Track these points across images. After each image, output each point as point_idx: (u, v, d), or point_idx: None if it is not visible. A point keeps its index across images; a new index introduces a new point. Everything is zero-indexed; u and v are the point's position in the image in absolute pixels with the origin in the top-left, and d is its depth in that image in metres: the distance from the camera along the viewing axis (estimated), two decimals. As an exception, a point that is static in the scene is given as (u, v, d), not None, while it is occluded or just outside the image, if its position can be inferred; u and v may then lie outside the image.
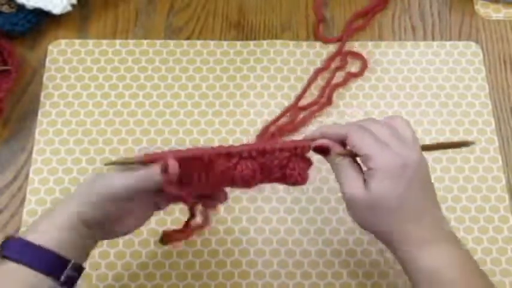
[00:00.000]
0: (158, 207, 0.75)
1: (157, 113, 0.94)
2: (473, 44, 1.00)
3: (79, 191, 0.72)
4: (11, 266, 0.67)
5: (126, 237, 0.77)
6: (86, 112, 0.94)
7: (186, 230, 0.78)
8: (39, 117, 0.93)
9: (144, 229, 0.83)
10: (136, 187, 0.69)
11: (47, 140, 0.91)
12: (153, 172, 0.69)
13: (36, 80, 0.96)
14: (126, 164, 0.71)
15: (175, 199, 0.74)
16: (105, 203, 0.69)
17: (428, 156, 0.90)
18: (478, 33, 1.01)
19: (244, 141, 0.92)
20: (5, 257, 0.67)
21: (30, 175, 0.89)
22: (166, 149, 0.90)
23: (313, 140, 0.72)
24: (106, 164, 0.72)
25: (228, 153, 0.73)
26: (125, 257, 0.85)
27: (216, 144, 0.90)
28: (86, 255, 0.73)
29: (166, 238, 0.78)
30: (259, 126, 0.93)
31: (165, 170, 0.69)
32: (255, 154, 0.73)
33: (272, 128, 0.92)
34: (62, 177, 0.89)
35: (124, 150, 0.91)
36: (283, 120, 0.94)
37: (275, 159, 0.74)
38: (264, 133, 0.92)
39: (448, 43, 1.00)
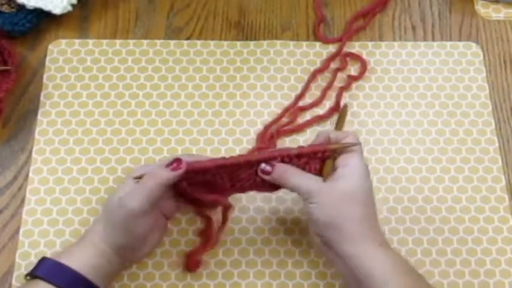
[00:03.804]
0: (167, 218, 0.81)
1: (157, 113, 0.94)
2: (473, 44, 1.00)
3: (103, 218, 0.77)
4: (41, 285, 0.72)
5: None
6: (86, 112, 0.94)
7: (206, 245, 0.84)
8: (39, 117, 0.93)
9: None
10: (154, 198, 0.75)
11: (47, 140, 0.91)
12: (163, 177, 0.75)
13: (36, 80, 0.96)
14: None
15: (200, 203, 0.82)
16: (130, 224, 0.75)
17: (428, 156, 0.91)
18: (478, 34, 1.01)
19: (244, 142, 0.92)
20: (37, 276, 0.73)
21: (30, 175, 0.89)
22: (165, 149, 0.91)
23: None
24: (135, 178, 0.77)
25: (248, 162, 0.77)
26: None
27: (216, 144, 0.92)
28: (111, 280, 0.78)
29: (191, 260, 0.84)
30: (259, 126, 0.93)
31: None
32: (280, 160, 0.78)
33: (273, 129, 0.92)
34: (62, 177, 0.89)
35: (124, 150, 0.91)
36: (284, 120, 0.93)
37: (293, 166, 0.78)
38: (265, 133, 0.92)
39: (448, 43, 1.00)
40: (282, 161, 0.78)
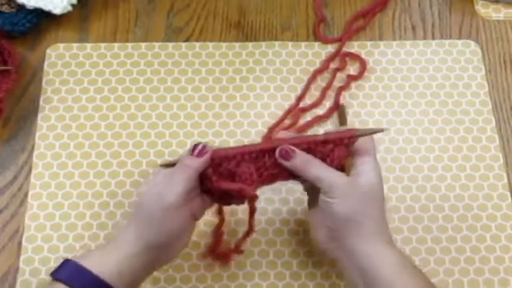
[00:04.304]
0: (195, 218, 0.78)
1: (158, 116, 0.94)
2: (472, 42, 1.00)
3: (137, 218, 0.75)
4: None
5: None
6: (86, 116, 0.93)
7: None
8: (39, 121, 0.92)
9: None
10: (188, 190, 0.74)
11: (47, 145, 0.91)
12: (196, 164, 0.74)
13: (36, 80, 0.95)
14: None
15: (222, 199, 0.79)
16: (167, 220, 0.73)
17: (429, 154, 0.92)
18: (478, 33, 1.01)
19: (246, 142, 0.92)
20: (56, 279, 0.71)
21: (32, 180, 0.88)
22: (166, 152, 0.91)
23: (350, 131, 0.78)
24: (161, 165, 0.77)
25: (272, 148, 0.76)
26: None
27: (217, 145, 0.91)
28: (135, 287, 0.76)
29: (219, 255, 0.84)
30: (260, 127, 0.93)
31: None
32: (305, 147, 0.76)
33: (275, 130, 0.92)
34: (64, 182, 0.89)
35: (125, 154, 0.91)
36: (285, 122, 0.94)
37: (318, 152, 0.77)
38: (269, 135, 0.92)
39: (447, 41, 1.00)
40: (308, 146, 0.76)
